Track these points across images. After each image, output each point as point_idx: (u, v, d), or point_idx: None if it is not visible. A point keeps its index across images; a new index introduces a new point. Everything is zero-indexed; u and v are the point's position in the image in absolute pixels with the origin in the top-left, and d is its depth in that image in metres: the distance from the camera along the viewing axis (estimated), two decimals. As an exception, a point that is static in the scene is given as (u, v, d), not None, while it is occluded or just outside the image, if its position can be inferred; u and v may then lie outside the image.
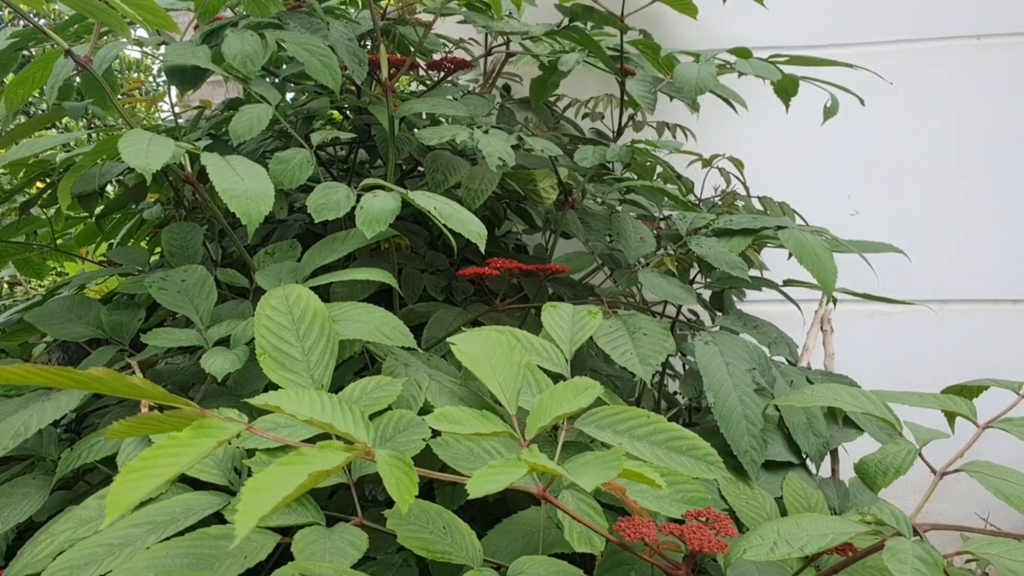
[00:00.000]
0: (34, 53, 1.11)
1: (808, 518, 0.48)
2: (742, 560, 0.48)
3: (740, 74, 0.99)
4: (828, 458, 0.86)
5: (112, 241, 1.27)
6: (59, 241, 1.14)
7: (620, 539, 0.52)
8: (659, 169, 1.24)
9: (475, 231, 0.75)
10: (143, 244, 1.30)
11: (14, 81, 0.81)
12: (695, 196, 1.30)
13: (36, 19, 0.77)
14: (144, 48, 0.87)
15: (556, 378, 0.69)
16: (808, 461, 0.83)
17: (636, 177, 1.18)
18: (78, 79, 1.11)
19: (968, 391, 0.77)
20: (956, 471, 0.61)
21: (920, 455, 0.60)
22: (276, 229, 1.17)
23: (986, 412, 0.70)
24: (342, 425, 0.54)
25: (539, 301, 0.97)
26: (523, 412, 0.62)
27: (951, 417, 0.73)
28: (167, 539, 0.54)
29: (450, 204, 0.76)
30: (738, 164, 1.23)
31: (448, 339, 0.64)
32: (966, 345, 1.54)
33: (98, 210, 1.08)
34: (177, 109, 1.21)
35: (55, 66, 0.80)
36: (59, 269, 1.80)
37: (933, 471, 0.58)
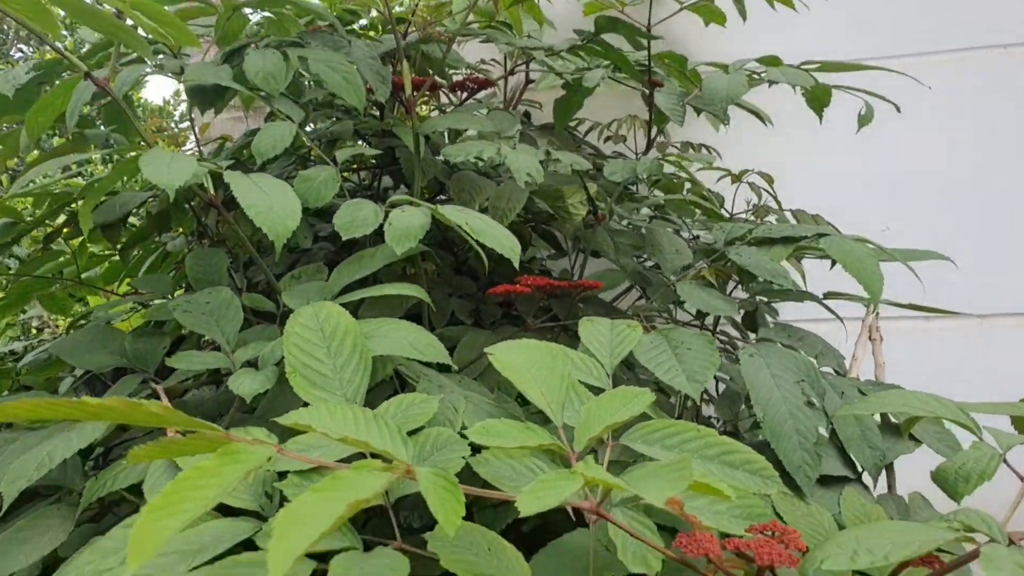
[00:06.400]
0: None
1: (889, 525, 0.44)
2: (819, 572, 0.44)
3: (771, 83, 0.97)
4: (884, 475, 0.82)
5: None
6: (84, 276, 1.13)
7: (681, 556, 0.48)
8: (687, 187, 1.21)
9: (509, 246, 0.72)
10: (167, 278, 1.29)
11: (35, 108, 0.80)
12: (726, 211, 1.28)
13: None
14: (165, 74, 0.86)
15: (598, 393, 0.66)
16: (864, 477, 0.78)
17: (664, 195, 1.16)
18: (96, 112, 1.11)
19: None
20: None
21: (1004, 460, 0.56)
22: (300, 258, 1.16)
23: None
24: (379, 442, 0.51)
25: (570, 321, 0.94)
26: (567, 428, 0.59)
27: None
28: (196, 568, 0.51)
29: (482, 218, 0.74)
30: (768, 179, 1.20)
31: (486, 349, 0.61)
32: (1010, 360, 1.49)
33: (121, 242, 1.07)
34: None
35: (75, 91, 0.79)
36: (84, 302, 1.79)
37: (1021, 477, 0.54)
